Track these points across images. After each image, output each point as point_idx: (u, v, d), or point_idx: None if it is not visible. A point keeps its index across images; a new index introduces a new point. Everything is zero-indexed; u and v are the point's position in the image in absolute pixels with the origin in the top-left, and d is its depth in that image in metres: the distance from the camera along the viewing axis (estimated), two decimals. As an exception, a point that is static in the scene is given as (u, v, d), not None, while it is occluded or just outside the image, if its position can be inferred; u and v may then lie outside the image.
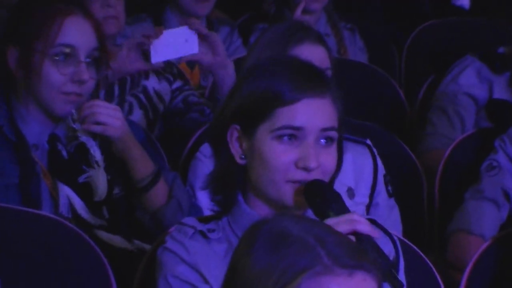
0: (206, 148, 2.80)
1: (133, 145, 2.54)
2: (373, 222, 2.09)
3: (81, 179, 2.52)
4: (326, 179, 2.03)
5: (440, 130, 3.35)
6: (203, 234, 2.10)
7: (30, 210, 2.42)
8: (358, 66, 3.75)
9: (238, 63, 3.23)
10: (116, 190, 2.56)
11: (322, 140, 2.02)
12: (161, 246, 2.11)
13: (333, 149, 2.05)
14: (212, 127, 2.37)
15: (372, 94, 3.66)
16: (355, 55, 3.94)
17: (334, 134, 2.04)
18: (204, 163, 2.80)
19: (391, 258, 2.12)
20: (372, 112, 3.54)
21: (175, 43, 3.05)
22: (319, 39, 2.80)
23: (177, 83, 3.36)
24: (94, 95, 2.65)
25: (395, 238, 2.12)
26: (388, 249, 2.11)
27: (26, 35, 2.54)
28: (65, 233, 2.36)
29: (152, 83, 3.30)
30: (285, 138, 2.01)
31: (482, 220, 2.90)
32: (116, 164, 2.56)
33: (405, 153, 3.17)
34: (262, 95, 2.02)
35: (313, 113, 2.00)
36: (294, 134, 2.00)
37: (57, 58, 2.51)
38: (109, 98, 3.18)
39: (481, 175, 2.96)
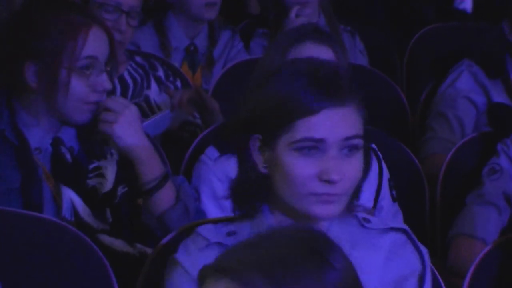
0: (211, 151, 2.81)
1: (142, 147, 2.54)
2: (405, 232, 2.10)
3: (91, 166, 2.52)
4: (352, 188, 1.97)
5: (440, 135, 3.36)
6: (219, 244, 2.04)
7: (32, 213, 2.42)
8: (358, 69, 3.73)
9: (240, 66, 3.27)
10: (120, 188, 2.56)
11: (345, 150, 1.96)
12: (172, 255, 2.07)
13: (357, 157, 1.99)
14: (234, 134, 2.39)
15: (373, 98, 3.65)
16: (355, 58, 3.95)
17: (358, 141, 1.99)
18: (209, 166, 2.81)
19: (417, 272, 2.09)
20: (372, 116, 3.55)
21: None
22: (324, 39, 2.80)
23: (178, 83, 3.37)
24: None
25: (423, 251, 2.09)
26: (413, 261, 2.08)
27: (48, 50, 2.54)
28: (68, 237, 2.35)
29: (154, 93, 3.32)
30: (306, 150, 1.95)
31: (485, 225, 2.90)
32: (127, 163, 2.56)
33: (407, 158, 3.17)
34: (279, 107, 1.97)
35: (335, 123, 1.95)
36: (315, 146, 1.95)
37: (83, 70, 2.52)
38: None
39: (483, 179, 2.96)
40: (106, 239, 2.49)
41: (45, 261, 2.33)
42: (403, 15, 4.89)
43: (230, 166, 2.71)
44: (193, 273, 1.99)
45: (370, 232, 2.12)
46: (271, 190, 2.01)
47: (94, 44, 2.54)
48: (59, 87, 2.54)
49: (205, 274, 1.53)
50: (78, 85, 2.51)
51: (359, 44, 4.11)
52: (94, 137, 2.57)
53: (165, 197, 2.54)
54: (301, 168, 1.95)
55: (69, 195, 2.50)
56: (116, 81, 3.25)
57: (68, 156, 2.53)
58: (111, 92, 3.09)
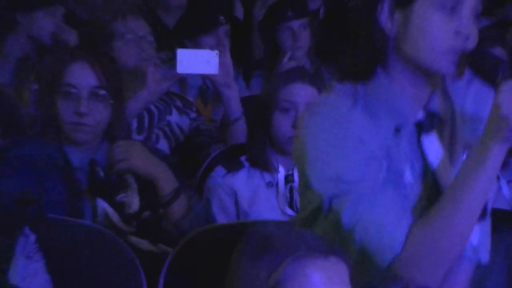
0: (219, 169, 2.84)
1: (155, 168, 2.56)
2: None
3: (118, 198, 2.54)
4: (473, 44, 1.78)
5: None
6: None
7: (75, 220, 2.44)
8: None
9: (241, 101, 3.23)
10: (146, 214, 2.56)
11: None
12: (314, 114, 1.84)
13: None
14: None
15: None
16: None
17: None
18: (218, 182, 2.83)
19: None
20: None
21: (199, 60, 2.96)
22: (312, 81, 2.84)
23: (193, 114, 3.33)
24: (126, 127, 2.70)
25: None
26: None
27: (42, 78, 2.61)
28: (104, 238, 2.35)
29: (175, 118, 3.28)
30: (447, 6, 1.77)
31: None
32: (147, 186, 2.56)
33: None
34: None
35: None
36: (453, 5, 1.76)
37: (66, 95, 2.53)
38: (140, 129, 3.17)
39: None
40: (134, 239, 2.50)
41: (86, 258, 2.31)
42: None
43: (235, 182, 2.83)
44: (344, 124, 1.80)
45: None
46: (395, 52, 1.81)
47: (75, 75, 2.54)
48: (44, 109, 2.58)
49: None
50: (63, 107, 2.53)
51: None
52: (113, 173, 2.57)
53: (180, 207, 2.57)
54: (440, 24, 1.76)
55: (103, 205, 2.52)
56: (145, 112, 3.20)
57: (102, 174, 2.56)
58: (140, 118, 3.15)
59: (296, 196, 2.81)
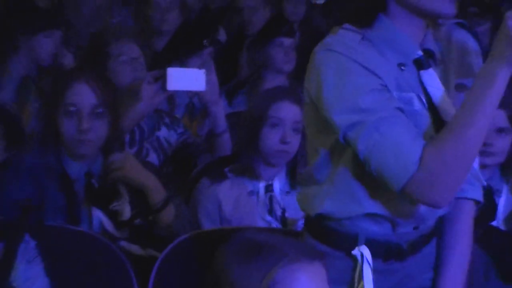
0: (205, 181, 2.86)
1: (147, 179, 2.55)
2: None
3: (111, 206, 2.53)
4: None
5: None
6: (365, 39, 1.84)
7: (72, 227, 2.43)
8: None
9: (226, 117, 3.23)
10: (137, 221, 2.55)
11: None
12: (326, 49, 1.82)
13: None
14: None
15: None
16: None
17: None
18: (203, 192, 2.85)
19: None
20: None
21: (187, 79, 2.94)
22: (296, 100, 2.85)
23: (181, 130, 3.32)
24: (118, 143, 2.64)
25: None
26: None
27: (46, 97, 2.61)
28: (98, 243, 2.35)
29: (163, 133, 3.28)
30: None
31: None
32: (138, 196, 2.56)
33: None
34: None
35: None
36: None
37: (68, 113, 2.53)
38: (132, 143, 3.19)
39: None
40: (125, 244, 2.49)
41: (82, 262, 2.31)
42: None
43: (219, 191, 2.83)
44: (354, 56, 1.80)
45: None
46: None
47: (75, 95, 2.54)
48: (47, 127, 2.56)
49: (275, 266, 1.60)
50: (66, 124, 2.53)
51: None
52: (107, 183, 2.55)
53: (169, 214, 2.56)
54: None
55: (97, 214, 2.51)
56: (136, 127, 3.19)
57: (96, 185, 2.55)
58: (132, 134, 3.15)
59: (275, 204, 2.83)
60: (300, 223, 2.72)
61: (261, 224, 2.78)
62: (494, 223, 2.65)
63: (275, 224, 2.80)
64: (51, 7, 4.45)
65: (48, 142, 2.58)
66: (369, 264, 1.85)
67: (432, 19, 1.86)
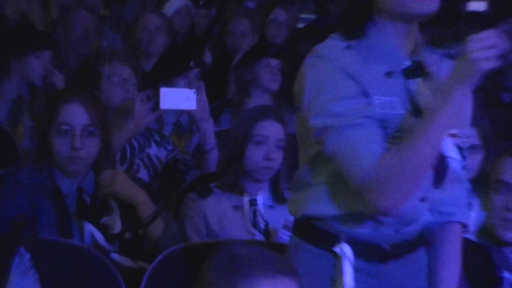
0: (192, 195, 2.83)
1: (136, 194, 2.56)
2: None
3: (102, 221, 2.52)
4: None
5: None
6: (348, 47, 1.84)
7: (65, 240, 2.44)
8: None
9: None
10: (127, 234, 2.54)
11: None
12: (313, 56, 1.85)
13: None
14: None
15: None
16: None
17: None
18: (191, 206, 2.82)
19: None
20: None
21: (179, 98, 2.96)
22: (279, 118, 2.87)
23: (170, 147, 3.31)
24: (109, 160, 2.63)
25: None
26: None
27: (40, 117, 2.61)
28: (90, 256, 2.36)
29: (153, 150, 3.28)
30: None
31: None
32: (129, 210, 2.56)
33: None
34: None
35: None
36: None
37: (61, 132, 2.53)
38: (123, 160, 3.17)
39: None
40: (116, 257, 2.49)
41: (74, 274, 2.32)
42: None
43: (206, 206, 2.80)
44: (337, 63, 1.82)
45: None
46: (377, 9, 1.84)
47: (68, 114, 2.54)
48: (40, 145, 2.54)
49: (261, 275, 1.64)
50: (58, 142, 2.53)
51: None
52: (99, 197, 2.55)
53: (158, 228, 2.57)
54: None
55: (89, 228, 2.51)
56: (127, 145, 3.18)
57: (88, 200, 2.55)
58: (123, 150, 3.13)
59: (259, 218, 2.83)
60: (280, 233, 2.77)
61: (246, 236, 2.78)
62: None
63: (259, 236, 2.80)
64: (43, 28, 4.45)
65: (41, 160, 2.58)
66: (349, 260, 1.86)
67: (416, 21, 1.86)
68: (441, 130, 1.76)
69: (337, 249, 1.86)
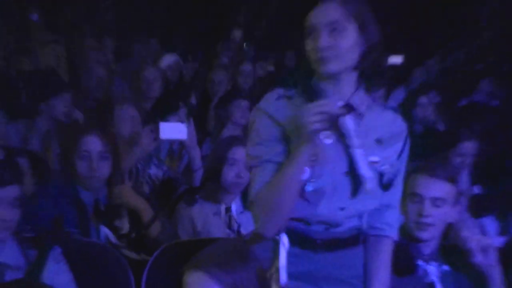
0: (182, 204, 2.80)
1: (140, 204, 2.56)
2: None
3: (114, 224, 2.51)
4: None
5: None
6: (286, 96, 1.83)
7: (86, 239, 2.44)
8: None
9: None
10: (133, 234, 2.54)
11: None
12: (256, 106, 1.84)
13: None
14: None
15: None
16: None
17: None
18: (181, 213, 2.79)
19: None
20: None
21: (174, 130, 2.95)
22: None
23: (165, 168, 3.32)
24: (119, 177, 2.61)
25: None
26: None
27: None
28: (105, 251, 2.35)
29: (153, 171, 3.26)
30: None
31: None
32: (134, 216, 2.55)
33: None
34: None
35: None
36: None
37: (83, 157, 2.51)
38: (130, 177, 3.14)
39: None
40: (125, 252, 2.49)
41: (94, 262, 2.29)
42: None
43: (192, 212, 2.77)
44: (274, 115, 1.80)
45: None
46: None
47: (87, 143, 2.54)
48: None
49: (185, 268, 1.59)
50: (80, 164, 2.52)
51: None
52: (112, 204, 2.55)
53: (156, 229, 2.56)
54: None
55: (104, 229, 2.52)
56: (133, 167, 3.14)
57: (103, 208, 2.56)
58: (130, 171, 3.10)
59: (233, 221, 2.80)
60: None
61: (223, 235, 2.76)
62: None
63: (232, 236, 2.78)
64: (66, 78, 4.46)
65: (67, 178, 2.59)
66: (284, 246, 1.86)
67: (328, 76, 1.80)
68: (292, 176, 1.74)
69: (276, 237, 1.87)
